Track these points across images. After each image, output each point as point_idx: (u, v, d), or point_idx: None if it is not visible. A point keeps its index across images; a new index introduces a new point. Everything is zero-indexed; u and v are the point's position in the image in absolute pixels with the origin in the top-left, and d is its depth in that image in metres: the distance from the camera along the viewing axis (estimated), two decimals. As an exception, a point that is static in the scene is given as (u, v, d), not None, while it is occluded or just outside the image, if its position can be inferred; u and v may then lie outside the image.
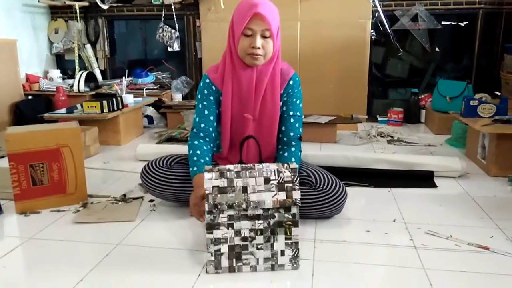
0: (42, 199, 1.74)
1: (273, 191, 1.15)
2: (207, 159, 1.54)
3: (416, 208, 1.75)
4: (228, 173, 1.16)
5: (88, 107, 2.66)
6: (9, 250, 1.41)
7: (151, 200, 1.81)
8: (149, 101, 3.35)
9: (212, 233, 1.17)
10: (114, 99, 2.74)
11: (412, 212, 1.70)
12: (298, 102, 1.62)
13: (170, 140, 2.80)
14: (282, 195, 1.16)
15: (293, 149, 1.57)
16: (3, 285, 1.21)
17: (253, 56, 1.46)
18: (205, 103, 1.59)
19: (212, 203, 1.14)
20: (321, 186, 1.54)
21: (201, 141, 1.57)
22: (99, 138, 2.71)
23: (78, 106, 2.99)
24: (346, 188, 1.59)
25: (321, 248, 1.39)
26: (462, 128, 2.68)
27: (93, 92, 3.71)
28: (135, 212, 1.70)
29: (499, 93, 3.18)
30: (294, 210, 1.18)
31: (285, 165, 1.20)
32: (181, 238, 1.47)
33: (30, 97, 3.67)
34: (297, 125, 1.61)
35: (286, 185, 1.16)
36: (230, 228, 1.17)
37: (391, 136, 2.95)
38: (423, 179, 2.07)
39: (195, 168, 1.50)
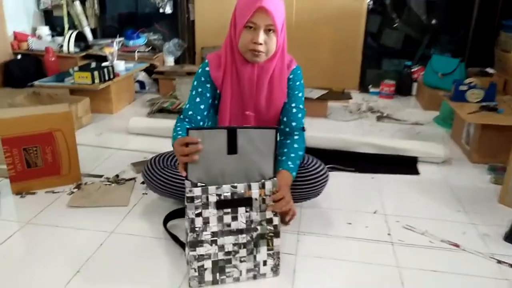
0: (37, 180, 1.79)
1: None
2: None
3: (397, 198, 1.83)
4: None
5: (79, 77, 2.63)
6: (7, 236, 1.47)
7: (143, 182, 1.87)
8: (141, 68, 3.31)
9: (195, 250, 1.19)
10: (105, 69, 2.71)
11: (393, 202, 1.78)
12: (300, 95, 1.56)
13: (162, 111, 2.81)
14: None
15: (296, 137, 1.51)
16: (1, 276, 1.29)
17: (254, 53, 1.38)
18: (199, 89, 1.50)
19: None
20: (303, 163, 1.54)
21: (185, 123, 1.48)
22: (91, 107, 2.72)
23: (71, 70, 2.96)
24: (332, 172, 1.59)
25: (303, 242, 1.48)
26: (451, 108, 2.72)
27: (84, 53, 3.65)
28: (127, 196, 1.76)
29: (490, 71, 3.20)
30: (276, 221, 1.24)
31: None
32: (172, 226, 1.53)
33: (19, 57, 3.60)
34: (299, 115, 1.54)
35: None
36: (213, 244, 1.21)
37: (381, 113, 2.98)
38: (406, 164, 2.15)
39: (175, 138, 1.38)
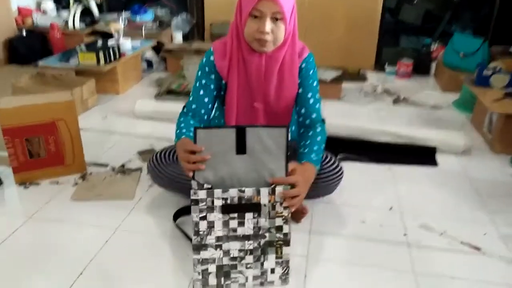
0: (40, 171, 1.74)
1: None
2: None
3: (414, 192, 1.75)
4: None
5: (84, 58, 2.54)
6: (10, 233, 1.43)
7: (150, 173, 1.82)
8: (148, 47, 3.20)
9: (199, 254, 1.15)
10: (111, 49, 2.61)
11: (409, 197, 1.70)
12: (315, 84, 1.47)
13: (170, 92, 2.72)
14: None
15: (318, 129, 1.41)
16: (3, 275, 1.25)
17: (260, 42, 1.29)
18: (203, 81, 1.43)
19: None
20: None
21: (188, 118, 1.43)
22: (97, 87, 2.64)
23: (77, 48, 2.86)
24: (346, 162, 1.50)
25: (315, 242, 1.42)
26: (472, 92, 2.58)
27: (90, 30, 3.54)
28: (133, 189, 1.70)
29: (515, 50, 3.03)
30: (286, 229, 1.17)
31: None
32: (182, 222, 1.47)
33: (24, 33, 3.51)
34: (317, 106, 1.45)
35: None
36: (218, 249, 1.15)
37: (398, 95, 2.85)
38: (425, 154, 2.05)
39: (179, 137, 1.34)
